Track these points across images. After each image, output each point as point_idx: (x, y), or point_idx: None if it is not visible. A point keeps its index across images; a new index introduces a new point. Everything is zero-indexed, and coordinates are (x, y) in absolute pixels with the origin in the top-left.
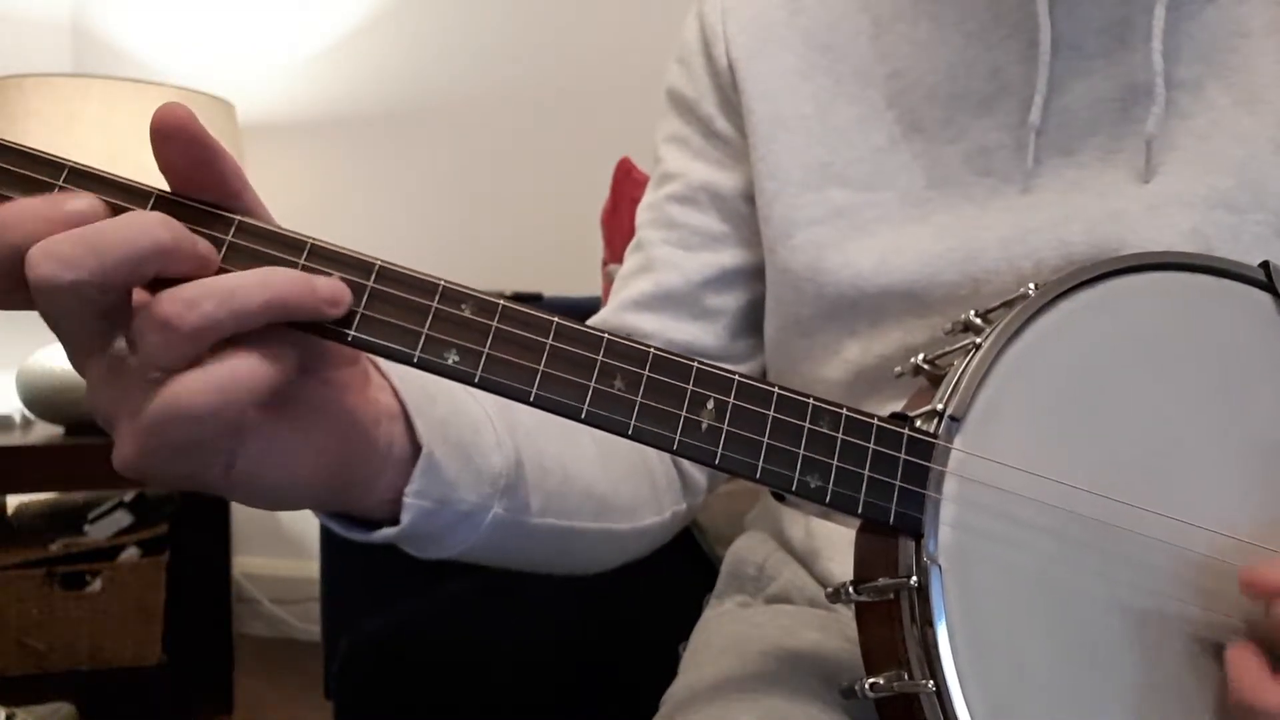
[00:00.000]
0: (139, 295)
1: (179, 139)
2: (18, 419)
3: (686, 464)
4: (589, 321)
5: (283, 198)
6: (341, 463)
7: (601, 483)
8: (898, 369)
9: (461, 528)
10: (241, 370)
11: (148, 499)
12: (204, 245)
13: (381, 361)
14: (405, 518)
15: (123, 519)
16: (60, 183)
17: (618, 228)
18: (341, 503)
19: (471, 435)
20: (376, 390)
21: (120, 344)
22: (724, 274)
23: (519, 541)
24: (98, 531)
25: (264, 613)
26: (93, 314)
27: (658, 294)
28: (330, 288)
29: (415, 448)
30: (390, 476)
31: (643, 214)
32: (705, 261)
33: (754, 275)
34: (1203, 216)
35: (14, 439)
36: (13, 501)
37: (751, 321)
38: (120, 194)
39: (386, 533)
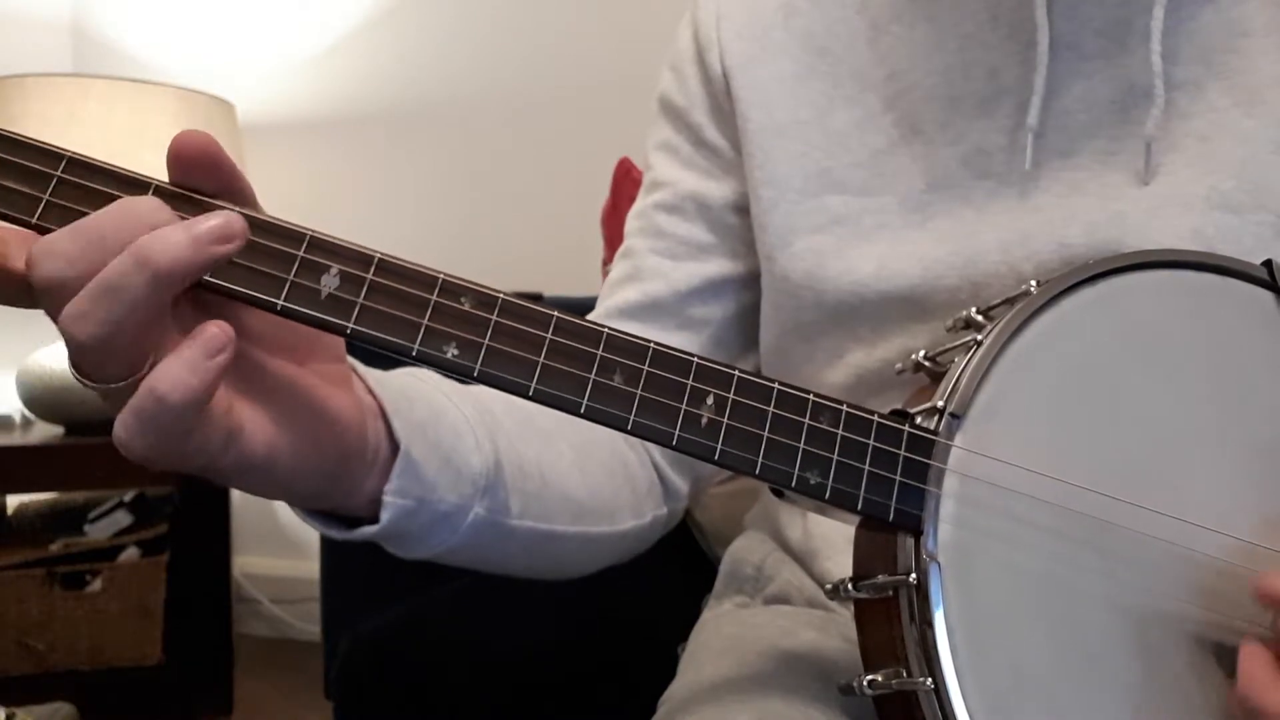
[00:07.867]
0: None
1: (206, 165)
2: (18, 419)
3: (667, 469)
4: None
5: (283, 198)
6: (337, 455)
7: (579, 487)
8: (898, 365)
9: (442, 527)
10: (159, 393)
11: (148, 499)
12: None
13: (359, 365)
14: (385, 516)
15: (123, 519)
16: (59, 173)
17: (618, 228)
18: (330, 498)
19: (451, 438)
20: (359, 391)
21: None
22: (709, 284)
23: (499, 543)
24: (98, 531)
25: (264, 613)
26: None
27: (644, 303)
28: (213, 230)
29: (396, 448)
30: (374, 474)
31: (631, 221)
32: (691, 271)
33: (740, 285)
34: (1203, 218)
35: (14, 439)
36: (13, 501)
37: (735, 332)
38: (119, 185)
39: (367, 530)
